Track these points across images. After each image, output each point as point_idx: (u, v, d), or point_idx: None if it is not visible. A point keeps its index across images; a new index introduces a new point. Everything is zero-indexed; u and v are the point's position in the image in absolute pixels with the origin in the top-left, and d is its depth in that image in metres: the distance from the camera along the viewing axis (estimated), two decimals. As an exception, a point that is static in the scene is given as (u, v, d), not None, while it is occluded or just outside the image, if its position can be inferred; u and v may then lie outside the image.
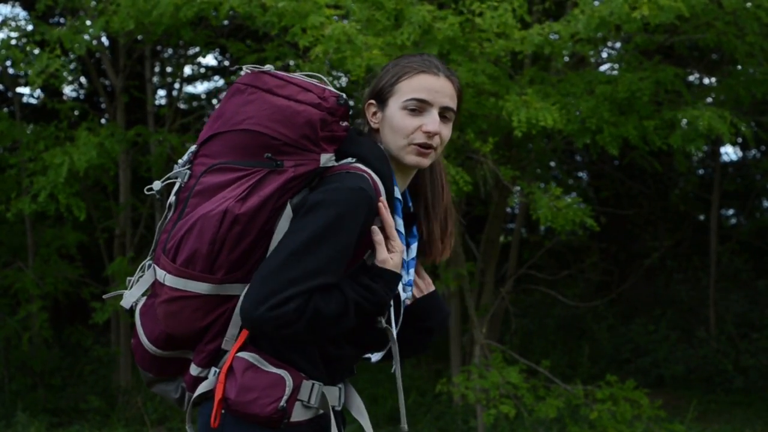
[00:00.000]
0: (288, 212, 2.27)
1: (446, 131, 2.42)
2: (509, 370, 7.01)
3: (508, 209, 10.34)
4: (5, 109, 9.38)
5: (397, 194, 2.39)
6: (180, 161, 2.40)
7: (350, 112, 2.38)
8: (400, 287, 2.38)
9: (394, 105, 2.39)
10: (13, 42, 7.83)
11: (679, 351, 10.57)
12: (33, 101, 11.37)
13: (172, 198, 2.38)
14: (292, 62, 7.74)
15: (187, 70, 11.57)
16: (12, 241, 9.52)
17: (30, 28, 7.98)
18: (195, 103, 12.42)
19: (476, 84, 6.56)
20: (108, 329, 9.73)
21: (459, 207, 8.54)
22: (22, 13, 10.92)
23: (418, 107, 2.37)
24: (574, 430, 7.22)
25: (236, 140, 2.29)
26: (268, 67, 2.37)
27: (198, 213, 2.27)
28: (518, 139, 7.68)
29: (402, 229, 2.39)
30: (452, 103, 2.42)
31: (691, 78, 10.37)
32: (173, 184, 2.40)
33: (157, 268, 2.36)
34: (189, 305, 2.29)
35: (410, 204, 2.48)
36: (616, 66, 8.35)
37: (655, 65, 7.38)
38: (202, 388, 2.32)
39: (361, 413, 2.42)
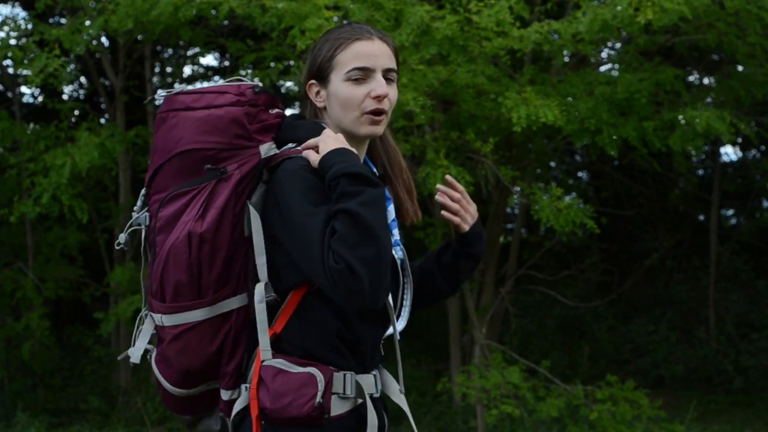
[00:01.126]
0: (252, 212, 2.27)
1: (393, 92, 2.40)
2: (510, 370, 7.01)
3: (508, 209, 10.34)
4: (5, 110, 9.38)
5: None
6: (135, 208, 2.40)
7: (274, 99, 2.37)
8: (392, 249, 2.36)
9: (337, 79, 2.37)
10: (13, 42, 7.83)
11: (679, 351, 10.56)
12: (33, 101, 11.37)
13: (144, 244, 2.38)
14: (292, 62, 7.74)
15: (187, 70, 11.57)
16: (12, 242, 9.52)
17: (29, 27, 7.97)
18: (195, 104, 12.41)
19: (476, 85, 6.56)
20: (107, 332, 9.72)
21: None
22: (21, 13, 10.92)
23: (362, 75, 2.35)
24: (574, 430, 7.22)
25: (176, 166, 2.29)
26: (178, 87, 2.37)
27: (166, 247, 2.27)
28: (518, 140, 7.68)
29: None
30: (392, 64, 2.40)
31: (691, 78, 10.37)
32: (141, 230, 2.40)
33: (153, 314, 2.36)
34: (193, 336, 2.30)
35: (374, 170, 2.47)
36: (616, 66, 8.35)
37: (655, 66, 7.38)
38: (237, 406, 2.31)
39: (399, 397, 2.42)
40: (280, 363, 2.27)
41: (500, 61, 6.77)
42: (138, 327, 2.42)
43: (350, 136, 2.39)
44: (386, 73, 2.38)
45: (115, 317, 8.15)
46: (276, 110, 2.37)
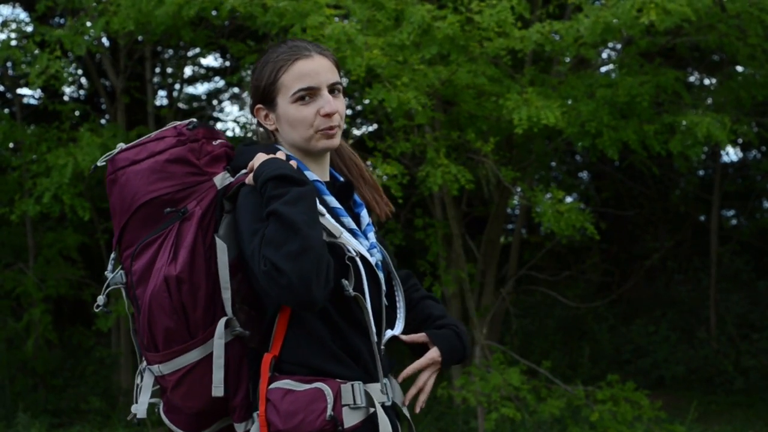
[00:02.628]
0: (221, 245, 2.28)
1: (341, 105, 2.42)
2: (510, 372, 7.01)
3: (509, 210, 10.34)
4: (6, 111, 9.38)
5: (314, 177, 2.40)
6: (107, 270, 2.41)
7: (214, 130, 2.40)
8: (364, 251, 2.37)
9: (284, 101, 2.39)
10: (13, 43, 7.83)
11: (680, 352, 10.56)
12: (33, 102, 11.37)
13: (127, 302, 2.40)
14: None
15: (188, 70, 11.58)
16: (13, 243, 9.52)
17: (30, 29, 7.97)
18: (195, 104, 12.44)
19: (476, 85, 6.56)
20: (109, 330, 9.72)
21: (459, 208, 8.54)
22: (22, 14, 10.92)
23: (308, 95, 2.37)
24: (575, 430, 7.23)
25: (139, 220, 2.32)
26: (119, 146, 2.39)
27: (146, 297, 2.29)
28: (519, 140, 7.68)
29: (337, 204, 2.40)
30: (336, 77, 2.42)
31: (691, 79, 10.37)
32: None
33: (150, 367, 2.37)
34: (194, 377, 2.31)
35: (340, 178, 2.50)
36: (617, 67, 8.34)
37: (656, 68, 7.37)
38: None
39: (402, 405, 2.43)
40: (287, 383, 2.27)
41: (501, 61, 6.77)
42: (138, 383, 2.43)
43: (307, 153, 2.42)
44: (331, 87, 2.40)
45: (116, 314, 8.14)
46: (218, 141, 2.39)
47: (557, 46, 6.53)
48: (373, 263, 2.38)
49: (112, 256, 2.41)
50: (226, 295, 2.28)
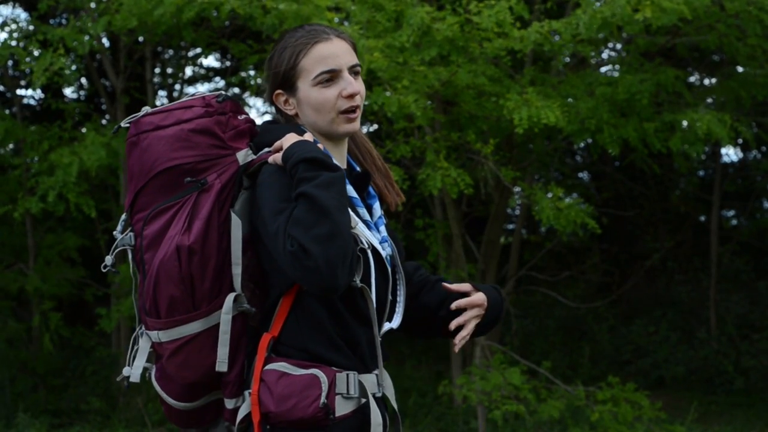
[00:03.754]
0: (235, 220, 2.28)
1: (361, 86, 2.43)
2: (511, 371, 7.01)
3: (509, 210, 10.34)
4: (6, 111, 9.38)
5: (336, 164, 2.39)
6: (117, 231, 2.39)
7: (239, 105, 2.39)
8: (377, 243, 2.37)
9: (305, 85, 2.38)
10: (14, 43, 7.83)
11: (680, 352, 10.56)
12: (33, 103, 11.38)
13: (132, 265, 2.39)
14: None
15: (188, 71, 11.58)
16: (13, 243, 9.52)
17: (31, 29, 7.97)
18: (196, 104, 12.41)
19: (476, 85, 6.56)
20: (109, 330, 9.73)
21: (459, 208, 8.54)
22: (23, 15, 10.92)
23: (330, 77, 2.37)
24: (576, 431, 7.23)
25: (156, 185, 2.30)
26: (144, 109, 2.38)
27: (155, 263, 2.28)
28: (519, 140, 7.69)
29: (354, 194, 2.39)
30: (355, 59, 2.42)
31: (691, 79, 10.37)
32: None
33: (149, 332, 2.36)
34: (192, 348, 2.30)
35: (357, 168, 2.50)
36: (617, 67, 8.35)
37: (656, 67, 7.38)
38: (241, 413, 2.31)
39: (392, 398, 2.43)
40: (283, 366, 2.27)
41: (501, 61, 6.77)
42: (133, 346, 2.41)
43: (328, 137, 2.42)
44: (352, 69, 2.40)
45: (118, 313, 8.15)
46: (244, 116, 2.39)
47: (556, 45, 6.54)
48: (384, 256, 2.39)
49: (123, 217, 2.39)
50: (237, 270, 2.28)
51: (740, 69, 8.14)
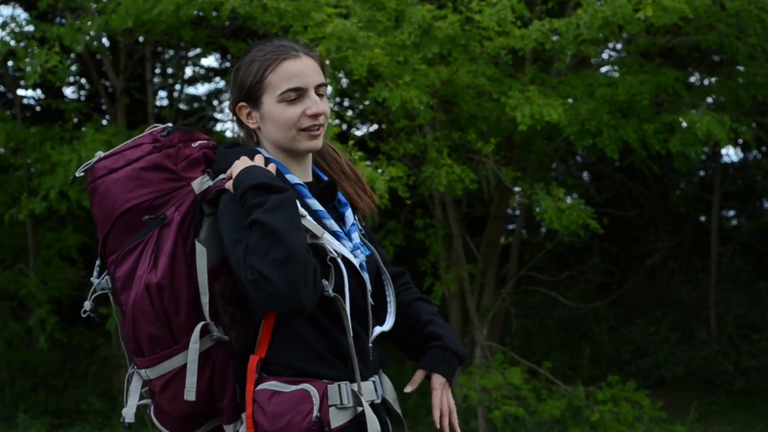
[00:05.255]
0: (200, 249, 2.29)
1: (326, 106, 2.42)
2: (511, 371, 7.01)
3: (509, 210, 10.34)
4: (7, 112, 9.37)
5: (296, 180, 2.40)
6: (93, 277, 2.44)
7: (192, 133, 2.39)
8: (347, 251, 2.37)
9: (269, 101, 2.38)
10: (13, 43, 7.82)
11: (680, 352, 10.56)
12: (34, 103, 11.37)
13: (114, 308, 2.41)
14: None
15: (188, 71, 11.57)
16: (13, 243, 9.51)
17: (31, 28, 7.97)
18: (196, 104, 12.43)
19: (477, 85, 6.56)
20: (109, 330, 9.72)
21: (460, 208, 8.54)
22: (23, 14, 10.92)
23: (296, 95, 2.37)
24: (576, 431, 7.23)
25: (120, 227, 2.34)
26: (97, 154, 2.41)
27: (129, 304, 2.31)
28: (519, 140, 7.68)
29: (320, 207, 2.39)
30: (322, 78, 2.42)
31: (692, 79, 10.37)
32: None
33: (138, 371, 2.38)
34: (180, 382, 2.32)
35: (324, 178, 2.50)
36: (616, 68, 8.35)
37: (656, 68, 7.38)
38: None
39: (394, 402, 2.45)
40: (273, 385, 2.28)
41: (501, 61, 6.77)
42: (128, 387, 2.43)
43: (290, 153, 2.42)
44: (317, 89, 2.40)
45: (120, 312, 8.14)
46: (199, 142, 2.39)
47: (557, 45, 6.53)
48: (357, 264, 2.38)
49: (97, 263, 2.44)
50: (204, 299, 2.29)
51: (740, 68, 8.13)
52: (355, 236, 2.44)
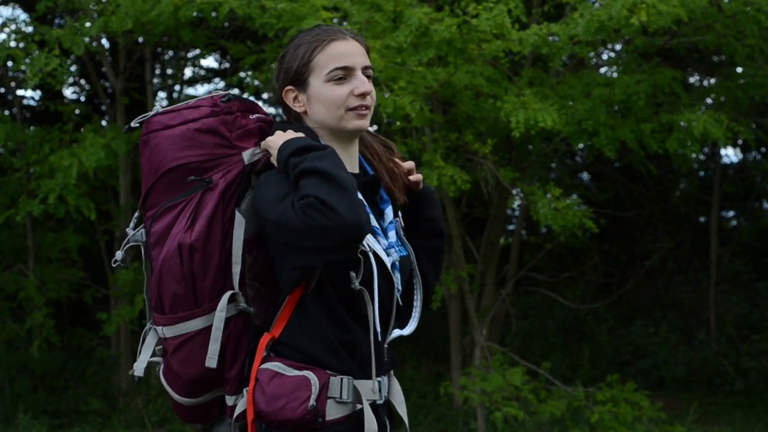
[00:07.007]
0: (239, 219, 2.29)
1: (373, 89, 2.43)
2: (512, 372, 7.02)
3: (509, 211, 10.35)
4: (6, 112, 9.37)
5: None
6: (129, 227, 2.43)
7: (252, 104, 2.40)
8: (380, 249, 2.36)
9: (317, 81, 2.38)
10: (12, 44, 7.83)
11: (680, 353, 10.56)
12: (33, 104, 11.37)
13: (144, 261, 2.42)
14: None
15: (188, 72, 11.58)
16: (13, 244, 9.52)
17: (30, 30, 7.98)
18: (195, 105, 12.41)
19: (474, 86, 6.57)
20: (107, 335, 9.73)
21: (459, 209, 8.54)
22: (22, 15, 10.93)
23: (343, 75, 2.37)
24: (575, 431, 7.23)
25: (164, 183, 2.34)
26: (155, 108, 2.41)
27: (159, 260, 2.31)
28: (518, 141, 7.69)
29: (361, 198, 2.37)
30: (368, 62, 2.43)
31: (691, 80, 10.37)
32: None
33: (156, 327, 2.39)
34: (194, 345, 2.33)
35: (370, 171, 2.49)
36: (615, 68, 8.36)
37: (654, 68, 7.39)
38: (239, 409, 2.34)
39: (400, 405, 2.43)
40: (277, 366, 2.28)
41: (499, 63, 6.78)
42: (142, 341, 2.45)
43: (337, 136, 2.40)
44: (365, 71, 2.40)
45: (118, 318, 8.15)
46: (257, 115, 2.39)
47: (554, 48, 6.54)
48: (388, 263, 2.37)
49: (136, 214, 2.44)
50: (236, 269, 2.29)
51: (739, 69, 8.14)
52: (392, 234, 2.43)
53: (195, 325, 2.31)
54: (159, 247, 2.32)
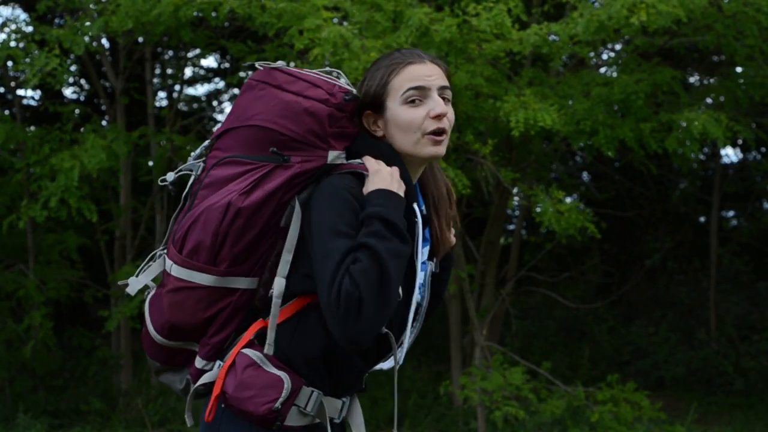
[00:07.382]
0: (297, 208, 2.26)
1: (451, 111, 2.38)
2: (512, 372, 7.02)
3: (509, 211, 10.35)
4: (6, 112, 9.36)
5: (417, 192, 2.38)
6: (193, 154, 2.41)
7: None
8: (417, 294, 2.34)
9: (393, 104, 2.34)
10: (13, 44, 7.83)
11: (680, 353, 10.57)
12: (33, 104, 11.37)
13: (187, 190, 2.39)
14: (292, 64, 7.75)
15: (188, 71, 11.58)
16: (13, 244, 9.51)
17: (30, 29, 7.98)
18: (195, 105, 12.44)
19: (474, 86, 6.57)
20: (109, 331, 9.73)
21: (459, 209, 8.54)
22: (22, 15, 10.93)
23: (418, 96, 2.33)
24: (575, 431, 7.23)
25: (246, 135, 2.30)
26: (280, 63, 2.37)
27: (204, 205, 2.28)
28: (518, 141, 7.69)
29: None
30: (447, 82, 2.39)
31: (691, 80, 10.37)
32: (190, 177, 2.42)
33: (166, 258, 2.37)
34: (192, 296, 2.31)
35: (422, 207, 2.44)
36: (615, 68, 8.36)
37: (653, 67, 7.39)
38: (205, 379, 2.33)
39: (358, 427, 2.41)
40: (258, 356, 2.27)
41: (499, 63, 6.78)
42: (147, 262, 2.43)
43: (411, 160, 2.37)
44: (442, 92, 2.37)
45: (120, 314, 8.15)
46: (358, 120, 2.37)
47: (554, 48, 6.54)
48: (413, 307, 2.35)
49: (206, 143, 2.40)
50: (288, 257, 2.27)
51: (739, 69, 8.14)
52: (420, 276, 2.40)
53: (203, 279, 2.28)
54: (209, 191, 2.29)
